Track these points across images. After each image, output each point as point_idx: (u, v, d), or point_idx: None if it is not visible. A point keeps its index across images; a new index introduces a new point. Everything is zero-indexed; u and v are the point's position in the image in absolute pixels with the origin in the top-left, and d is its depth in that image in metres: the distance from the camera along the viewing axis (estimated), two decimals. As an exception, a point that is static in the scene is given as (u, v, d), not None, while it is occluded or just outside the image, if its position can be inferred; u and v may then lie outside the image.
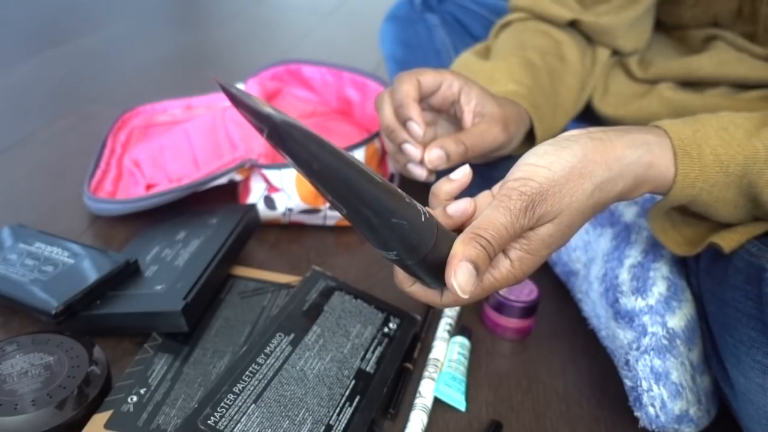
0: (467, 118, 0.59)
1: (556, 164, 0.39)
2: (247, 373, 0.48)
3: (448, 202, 0.42)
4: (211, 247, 0.60)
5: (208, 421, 0.43)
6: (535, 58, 0.66)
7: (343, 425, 0.47)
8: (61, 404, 0.45)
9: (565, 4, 0.70)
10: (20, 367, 0.48)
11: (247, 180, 0.72)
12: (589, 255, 0.61)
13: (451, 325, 0.60)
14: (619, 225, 0.60)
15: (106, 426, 0.46)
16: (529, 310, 0.60)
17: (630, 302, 0.52)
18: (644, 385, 0.48)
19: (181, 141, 0.78)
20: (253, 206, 0.68)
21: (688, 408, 0.48)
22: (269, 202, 0.70)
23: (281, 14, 1.65)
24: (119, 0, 1.62)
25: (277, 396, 0.47)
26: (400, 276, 0.41)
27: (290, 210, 0.70)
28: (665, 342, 0.49)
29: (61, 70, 1.17)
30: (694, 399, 0.49)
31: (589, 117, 0.74)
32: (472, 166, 0.45)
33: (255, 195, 0.71)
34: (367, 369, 0.52)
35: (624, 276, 0.55)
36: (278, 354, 0.50)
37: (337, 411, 0.48)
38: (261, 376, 0.48)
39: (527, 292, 0.60)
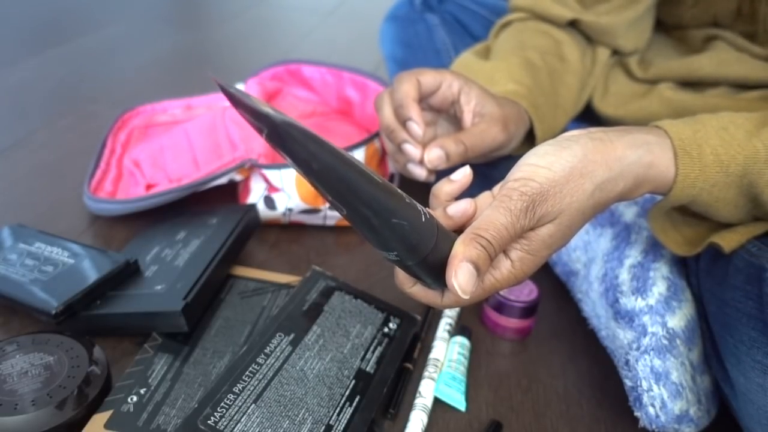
0: (467, 118, 0.59)
1: (556, 164, 0.39)
2: (247, 373, 0.48)
3: (448, 203, 0.42)
4: (211, 247, 0.60)
5: (208, 421, 0.43)
6: (535, 58, 0.66)
7: (343, 425, 0.47)
8: (61, 404, 0.45)
9: (566, 3, 0.70)
10: (20, 367, 0.48)
11: (247, 180, 0.72)
12: (589, 255, 0.61)
13: (451, 325, 0.60)
14: (619, 225, 0.60)
15: (106, 426, 0.46)
16: (529, 310, 0.60)
17: (630, 302, 0.52)
18: (644, 385, 0.48)
19: (181, 141, 0.78)
20: (253, 206, 0.68)
21: (688, 408, 0.48)
22: (269, 202, 0.70)
23: (281, 14, 1.65)
24: (119, 0, 1.62)
25: (277, 396, 0.47)
26: (401, 277, 0.41)
27: (290, 210, 0.70)
28: (665, 342, 0.49)
29: (62, 70, 1.17)
30: (694, 399, 0.49)
31: (589, 117, 0.74)
32: (472, 166, 0.45)
33: (255, 195, 0.71)
34: (367, 369, 0.52)
35: (624, 276, 0.55)
36: (278, 354, 0.50)
37: (337, 411, 0.48)
38: (261, 376, 0.48)
39: (527, 292, 0.60)
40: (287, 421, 0.46)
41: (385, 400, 0.52)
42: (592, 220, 0.61)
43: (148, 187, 0.75)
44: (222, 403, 0.45)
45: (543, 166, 0.39)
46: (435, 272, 0.37)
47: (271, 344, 0.51)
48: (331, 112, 0.92)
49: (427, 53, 0.87)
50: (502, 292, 0.59)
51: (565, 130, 0.67)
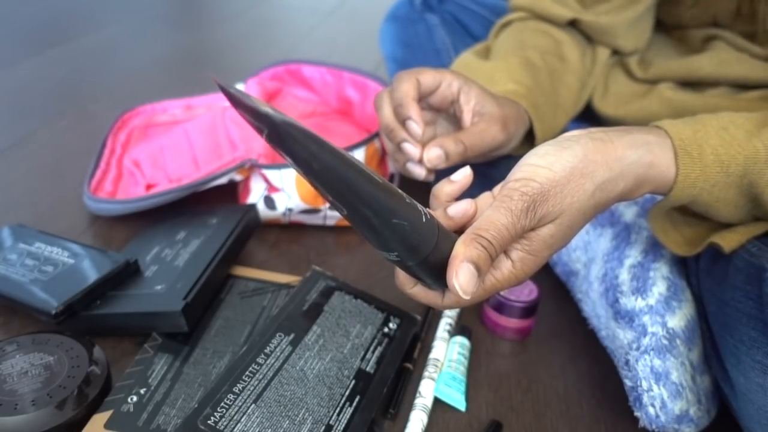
0: (466, 117, 0.59)
1: (557, 164, 0.39)
2: (247, 373, 0.48)
3: (448, 204, 0.42)
4: (211, 247, 0.60)
5: (208, 421, 0.43)
6: (535, 58, 0.66)
7: (343, 425, 0.47)
8: (61, 404, 0.45)
9: (566, 3, 0.70)
10: (20, 367, 0.48)
11: (247, 180, 0.72)
12: (589, 255, 0.61)
13: (451, 325, 0.60)
14: (619, 225, 0.60)
15: (106, 426, 0.46)
16: (529, 310, 0.60)
17: (630, 302, 0.52)
18: (644, 385, 0.48)
19: (181, 141, 0.78)
20: (253, 206, 0.68)
21: (688, 408, 0.48)
22: (269, 202, 0.70)
23: (282, 14, 1.65)
24: (119, 0, 1.62)
25: (277, 396, 0.47)
26: (402, 277, 0.41)
27: (290, 210, 0.70)
28: (665, 342, 0.49)
29: (62, 70, 1.17)
30: (694, 399, 0.49)
31: (589, 117, 0.74)
32: (472, 166, 0.45)
33: (255, 195, 0.71)
34: (367, 369, 0.52)
35: (624, 276, 0.55)
36: (278, 354, 0.50)
37: (337, 411, 0.48)
38: (261, 376, 0.48)
39: (527, 292, 0.60)
40: (287, 421, 0.46)
41: (385, 400, 0.52)
42: (592, 220, 0.61)
43: (148, 187, 0.75)
44: (222, 403, 0.45)
45: (543, 167, 0.39)
46: (436, 273, 0.37)
47: (271, 344, 0.51)
48: (331, 112, 0.92)
49: (427, 53, 0.87)
50: (502, 292, 0.59)
51: (565, 130, 0.67)
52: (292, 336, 0.52)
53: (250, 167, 0.70)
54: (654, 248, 0.56)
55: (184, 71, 1.22)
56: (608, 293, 0.55)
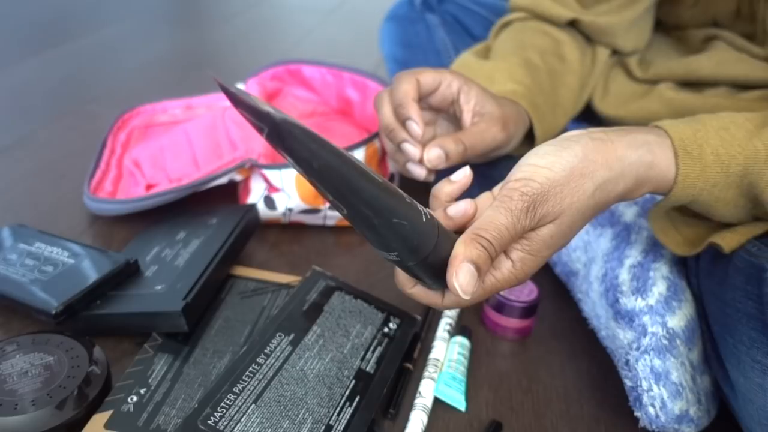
0: (466, 117, 0.59)
1: (557, 165, 0.39)
2: (247, 373, 0.48)
3: (448, 204, 0.42)
4: (211, 247, 0.60)
5: (208, 421, 0.43)
6: (534, 58, 0.66)
7: (343, 425, 0.47)
8: (61, 404, 0.45)
9: (565, 3, 0.70)
10: (20, 367, 0.48)
11: (247, 180, 0.72)
12: (589, 255, 0.61)
13: (451, 325, 0.60)
14: (619, 225, 0.60)
15: (106, 426, 0.46)
16: (529, 310, 0.60)
17: (630, 302, 0.52)
18: (644, 385, 0.48)
19: (181, 141, 0.78)
20: (253, 206, 0.68)
21: (688, 408, 0.48)
22: (269, 202, 0.70)
23: (281, 14, 1.65)
24: (119, 0, 1.62)
25: (277, 396, 0.47)
26: (402, 278, 0.41)
27: (290, 210, 0.70)
28: (665, 342, 0.49)
29: (62, 70, 1.17)
30: (694, 399, 0.49)
31: (589, 117, 0.74)
32: (472, 166, 0.45)
33: (255, 195, 0.71)
34: (367, 369, 0.52)
35: (624, 276, 0.55)
36: (278, 354, 0.50)
37: (337, 411, 0.48)
38: (261, 376, 0.48)
39: (527, 292, 0.60)
40: (287, 421, 0.46)
41: (385, 400, 0.52)
42: (592, 220, 0.61)
43: (148, 187, 0.75)
44: (222, 403, 0.45)
45: (543, 167, 0.39)
46: (435, 273, 0.37)
47: (271, 344, 0.51)
48: (331, 112, 0.92)
49: (427, 53, 0.87)
50: (502, 292, 0.59)
51: (565, 130, 0.67)
52: (292, 336, 0.52)
53: (250, 167, 0.70)
54: (654, 248, 0.56)
55: (184, 71, 1.22)
56: (608, 293, 0.55)
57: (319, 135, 0.30)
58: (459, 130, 0.59)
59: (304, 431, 0.45)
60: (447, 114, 0.63)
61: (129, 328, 0.56)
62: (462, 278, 0.35)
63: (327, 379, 0.50)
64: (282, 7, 1.69)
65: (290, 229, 0.74)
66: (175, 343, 0.55)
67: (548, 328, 0.63)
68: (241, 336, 0.56)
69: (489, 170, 0.66)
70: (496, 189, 0.43)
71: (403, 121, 0.58)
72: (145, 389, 0.50)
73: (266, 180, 0.70)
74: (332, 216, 0.72)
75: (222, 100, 0.90)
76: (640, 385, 0.49)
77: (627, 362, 0.50)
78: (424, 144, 0.57)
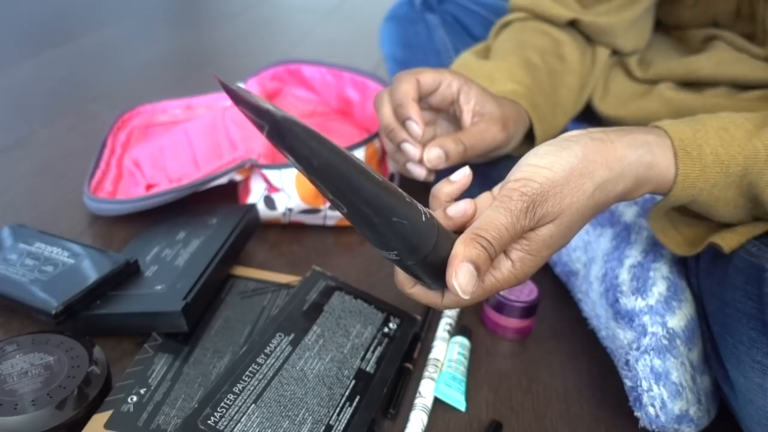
0: (466, 117, 0.59)
1: (556, 165, 0.39)
2: (247, 373, 0.48)
3: (448, 204, 0.42)
4: (211, 247, 0.60)
5: (208, 421, 0.43)
6: (534, 58, 0.66)
7: (343, 425, 0.47)
8: (61, 404, 0.45)
9: (565, 3, 0.70)
10: (20, 367, 0.48)
11: (247, 180, 0.72)
12: (589, 255, 0.61)
13: (451, 325, 0.60)
14: (619, 225, 0.60)
15: (106, 426, 0.46)
16: (529, 310, 0.60)
17: (630, 302, 0.52)
18: (644, 385, 0.48)
19: (181, 141, 0.78)
20: (253, 206, 0.68)
21: (688, 408, 0.48)
22: (269, 202, 0.70)
23: (281, 14, 1.65)
24: (119, 0, 1.62)
25: (277, 396, 0.47)
26: (401, 278, 0.41)
27: (290, 210, 0.70)
28: (665, 342, 0.49)
29: (62, 70, 1.17)
30: (694, 399, 0.49)
31: (589, 117, 0.74)
32: (471, 166, 0.45)
33: (255, 195, 0.71)
34: (367, 369, 0.52)
35: (624, 276, 0.55)
36: (278, 354, 0.50)
37: (337, 411, 0.48)
38: (261, 376, 0.48)
39: (527, 292, 0.60)
40: (287, 421, 0.46)
41: (385, 400, 0.52)
42: (592, 220, 0.61)
43: (148, 187, 0.75)
44: (222, 403, 0.45)
45: (543, 167, 0.39)
46: (435, 272, 0.37)
47: (271, 344, 0.51)
48: (331, 112, 0.92)
49: (427, 53, 0.87)
50: (502, 292, 0.59)
51: (565, 130, 0.67)
52: (292, 336, 0.52)
53: (250, 167, 0.70)
54: (654, 248, 0.56)
55: (184, 71, 1.22)
56: (608, 293, 0.55)
57: (319, 133, 0.30)
58: (459, 130, 0.59)
59: (304, 431, 0.45)
60: (447, 114, 0.63)
61: (129, 328, 0.56)
62: (461, 278, 0.35)
63: (327, 379, 0.50)
64: (282, 7, 1.69)
65: (290, 229, 0.74)
66: (175, 343, 0.55)
67: (548, 328, 0.63)
68: (241, 336, 0.56)
69: (489, 170, 0.66)
70: (496, 189, 0.43)
71: (403, 121, 0.58)
72: (145, 389, 0.50)
73: (266, 180, 0.70)
74: (332, 216, 0.72)
75: (222, 100, 0.90)
76: (640, 385, 0.49)
77: (627, 362, 0.50)
78: (424, 144, 0.57)
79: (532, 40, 0.69)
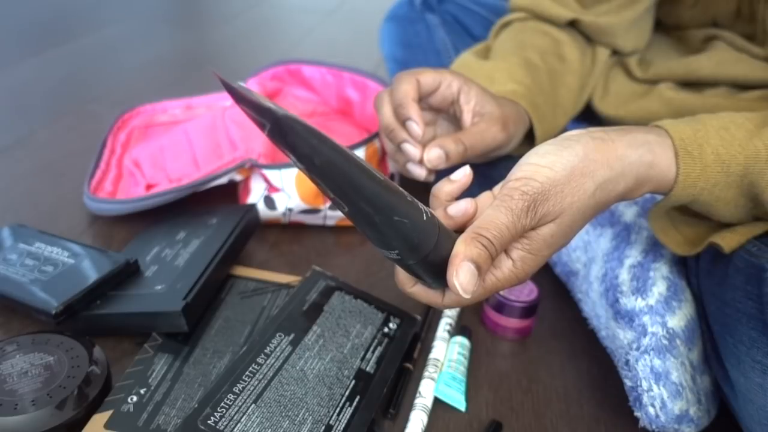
0: (466, 117, 0.59)
1: (557, 164, 0.39)
2: (247, 373, 0.48)
3: (448, 203, 0.42)
4: (211, 247, 0.60)
5: (208, 421, 0.43)
6: (534, 58, 0.66)
7: (343, 425, 0.47)
8: (61, 404, 0.45)
9: (565, 4, 0.70)
10: (20, 367, 0.48)
11: (247, 180, 0.72)
12: (589, 255, 0.61)
13: (451, 325, 0.60)
14: (619, 225, 0.60)
15: (106, 426, 0.46)
16: (529, 310, 0.60)
17: (630, 302, 0.52)
18: (644, 385, 0.48)
19: (181, 141, 0.78)
20: (253, 206, 0.68)
21: (688, 408, 0.48)
22: (269, 202, 0.70)
23: (281, 14, 1.65)
24: (119, 0, 1.62)
25: (277, 396, 0.47)
26: (402, 277, 0.41)
27: (290, 210, 0.70)
28: (665, 342, 0.49)
29: (62, 70, 1.17)
30: (694, 399, 0.49)
31: (589, 117, 0.74)
32: (472, 166, 0.45)
33: (255, 195, 0.71)
34: (367, 369, 0.52)
35: (624, 276, 0.55)
36: (278, 354, 0.50)
37: (337, 411, 0.48)
38: (261, 376, 0.48)
39: (527, 292, 0.60)
40: (287, 421, 0.46)
41: (385, 400, 0.52)
42: (592, 220, 0.61)
43: (148, 187, 0.75)
44: (222, 403, 0.45)
45: (544, 166, 0.39)
46: (436, 271, 0.37)
47: (271, 344, 0.51)
48: (331, 112, 0.92)
49: (427, 53, 0.87)
50: (502, 292, 0.59)
51: (564, 130, 0.67)
52: (292, 336, 0.52)
53: (250, 167, 0.70)
54: (654, 248, 0.56)
55: (184, 71, 1.22)
56: (608, 293, 0.55)
57: (320, 131, 0.30)
58: (459, 131, 0.59)
59: (304, 431, 0.45)
60: (447, 114, 0.63)
61: (129, 328, 0.56)
62: (462, 277, 0.35)
63: (327, 379, 0.50)
64: (282, 7, 1.69)
65: (290, 229, 0.74)
66: (175, 343, 0.55)
67: (548, 328, 0.63)
68: (241, 336, 0.56)
69: (489, 170, 0.66)
70: (497, 188, 0.43)
71: (403, 121, 0.58)
72: (145, 389, 0.50)
73: (266, 180, 0.70)
74: (332, 216, 0.72)
75: (222, 100, 0.90)
76: (640, 385, 0.49)
77: (627, 362, 0.50)
78: (424, 144, 0.57)
79: (532, 40, 0.69)
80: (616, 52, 0.74)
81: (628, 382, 0.50)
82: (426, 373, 0.54)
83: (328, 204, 0.70)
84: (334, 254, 0.71)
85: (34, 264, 0.58)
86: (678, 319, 0.50)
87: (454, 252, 0.36)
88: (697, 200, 0.45)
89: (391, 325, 0.57)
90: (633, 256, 0.56)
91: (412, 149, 0.57)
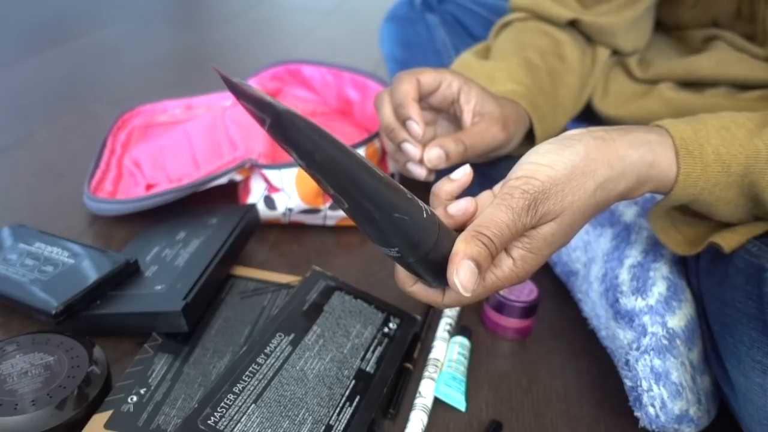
0: (467, 117, 0.59)
1: (558, 163, 0.39)
2: (247, 373, 0.48)
3: (449, 202, 0.42)
4: (211, 247, 0.60)
5: (208, 421, 0.43)
6: (535, 58, 0.66)
7: (343, 425, 0.47)
8: (61, 404, 0.45)
9: (565, 4, 0.70)
10: (20, 367, 0.48)
11: (247, 180, 0.72)
12: (589, 255, 0.61)
13: (451, 325, 0.60)
14: (619, 225, 0.60)
15: (106, 426, 0.46)
16: (529, 310, 0.60)
17: (630, 302, 0.52)
18: (644, 385, 0.48)
19: (181, 141, 0.78)
20: (253, 206, 0.68)
21: (688, 408, 0.48)
22: (269, 202, 0.70)
23: (281, 14, 1.65)
24: (119, 0, 1.62)
25: (277, 396, 0.47)
26: (402, 276, 0.41)
27: (290, 210, 0.70)
28: (665, 342, 0.49)
29: (62, 70, 1.17)
30: (694, 399, 0.49)
31: (589, 117, 0.74)
32: (472, 165, 0.45)
33: (255, 195, 0.71)
34: (367, 369, 0.52)
35: (624, 276, 0.55)
36: (278, 354, 0.50)
37: (337, 411, 0.48)
38: (261, 376, 0.48)
39: (527, 292, 0.60)
40: (287, 421, 0.46)
41: (385, 400, 0.52)
42: (592, 220, 0.61)
43: (148, 187, 0.75)
44: (222, 403, 0.45)
45: (545, 165, 0.39)
46: (436, 270, 0.37)
47: (271, 344, 0.51)
48: (331, 112, 0.92)
49: (427, 53, 0.87)
50: (502, 292, 0.59)
51: (565, 130, 0.67)
52: (292, 336, 0.52)
53: (250, 167, 0.70)
54: (654, 248, 0.56)
55: (184, 71, 1.22)
56: (608, 293, 0.55)
57: (321, 127, 0.30)
58: (459, 130, 0.59)
59: (304, 431, 0.45)
60: (447, 114, 0.63)
61: (129, 328, 0.56)
62: (463, 275, 0.35)
63: (327, 379, 0.50)
64: (282, 7, 1.69)
65: (290, 229, 0.74)
66: (175, 343, 0.55)
67: (548, 328, 0.63)
68: (241, 336, 0.56)
69: (489, 170, 0.66)
70: (497, 187, 0.43)
71: (403, 120, 0.58)
72: (145, 389, 0.50)
73: (266, 180, 0.70)
74: (332, 216, 0.72)
75: (222, 100, 0.90)
76: (640, 385, 0.49)
77: (627, 362, 0.50)
78: (424, 144, 0.57)
79: (532, 40, 0.69)
80: (616, 52, 0.74)
81: (628, 382, 0.50)
82: (426, 373, 0.54)
83: (328, 204, 0.71)
84: (334, 254, 0.71)
85: (34, 264, 0.58)
86: (678, 319, 0.50)
87: (455, 250, 0.36)
88: (697, 200, 0.45)
89: (391, 325, 0.57)
90: (633, 256, 0.56)
91: (412, 149, 0.57)
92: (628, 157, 0.41)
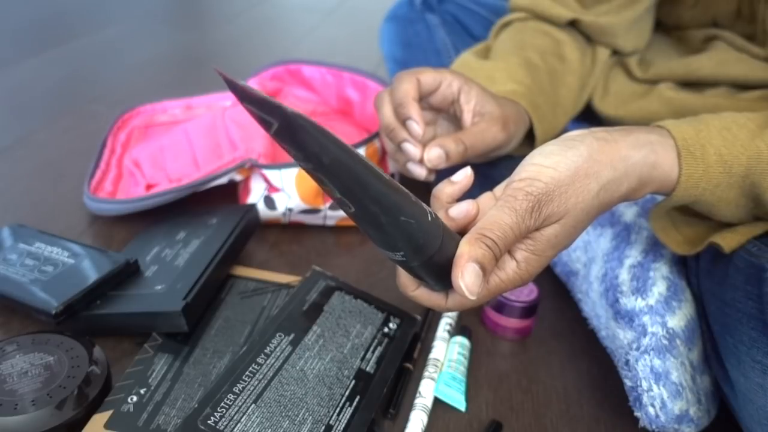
0: (467, 117, 0.59)
1: (561, 164, 0.39)
2: (247, 373, 0.48)
3: (449, 205, 0.41)
4: (211, 247, 0.60)
5: (208, 421, 0.43)
6: (535, 58, 0.66)
7: (343, 425, 0.47)
8: (61, 404, 0.45)
9: (565, 4, 0.70)
10: (20, 367, 0.48)
11: (247, 180, 0.72)
12: (589, 255, 0.61)
13: (451, 325, 0.60)
14: (619, 225, 0.60)
15: (106, 426, 0.46)
16: (529, 310, 0.60)
17: (630, 302, 0.52)
18: (644, 385, 0.48)
19: (181, 141, 0.78)
20: (253, 206, 0.68)
21: (688, 408, 0.48)
22: (269, 202, 0.70)
23: (281, 14, 1.65)
24: (119, 0, 1.62)
25: (277, 396, 0.47)
26: (404, 279, 0.41)
27: (290, 210, 0.70)
28: (665, 342, 0.49)
29: (62, 70, 1.17)
30: (694, 399, 0.49)
31: (589, 117, 0.74)
32: (472, 166, 0.45)
33: (255, 195, 0.71)
34: (367, 369, 0.52)
35: (624, 276, 0.55)
36: (278, 354, 0.50)
37: (337, 411, 0.48)
38: (261, 376, 0.48)
39: (527, 292, 0.60)
40: (287, 421, 0.46)
41: (385, 400, 0.52)
42: (592, 221, 0.61)
43: (148, 187, 0.75)
44: (222, 403, 0.45)
45: (548, 166, 0.39)
46: (439, 273, 0.37)
47: (271, 344, 0.51)
48: (331, 112, 0.92)
49: (427, 53, 0.87)
50: (502, 292, 0.59)
51: (565, 130, 0.67)
52: (292, 336, 0.52)
53: (250, 167, 0.70)
54: (654, 248, 0.56)
55: (184, 71, 1.22)
56: (608, 293, 0.55)
57: (327, 130, 0.30)
58: (459, 130, 0.59)
59: (304, 431, 0.45)
60: (447, 114, 0.62)
61: (129, 328, 0.56)
62: (468, 278, 0.35)
63: (327, 379, 0.50)
64: (282, 7, 1.69)
65: (290, 229, 0.74)
66: (175, 343, 0.55)
67: (548, 328, 0.63)
68: (241, 336, 0.56)
69: (489, 170, 0.66)
70: (498, 189, 0.43)
71: (403, 120, 0.58)
72: (145, 389, 0.50)
73: (266, 180, 0.70)
74: (332, 216, 0.72)
75: (222, 100, 0.90)
76: (640, 385, 0.49)
77: (627, 362, 0.50)
78: (424, 144, 0.57)
79: (532, 40, 0.69)
80: (616, 52, 0.74)
81: (628, 382, 0.50)
82: (426, 373, 0.54)
83: (328, 204, 0.70)
84: (334, 254, 0.71)
85: (34, 264, 0.58)
86: (678, 319, 0.50)
87: (459, 253, 0.36)
88: (698, 201, 0.45)
89: (391, 325, 0.57)
90: (633, 256, 0.56)
91: (412, 149, 0.57)
92: (631, 158, 0.41)
